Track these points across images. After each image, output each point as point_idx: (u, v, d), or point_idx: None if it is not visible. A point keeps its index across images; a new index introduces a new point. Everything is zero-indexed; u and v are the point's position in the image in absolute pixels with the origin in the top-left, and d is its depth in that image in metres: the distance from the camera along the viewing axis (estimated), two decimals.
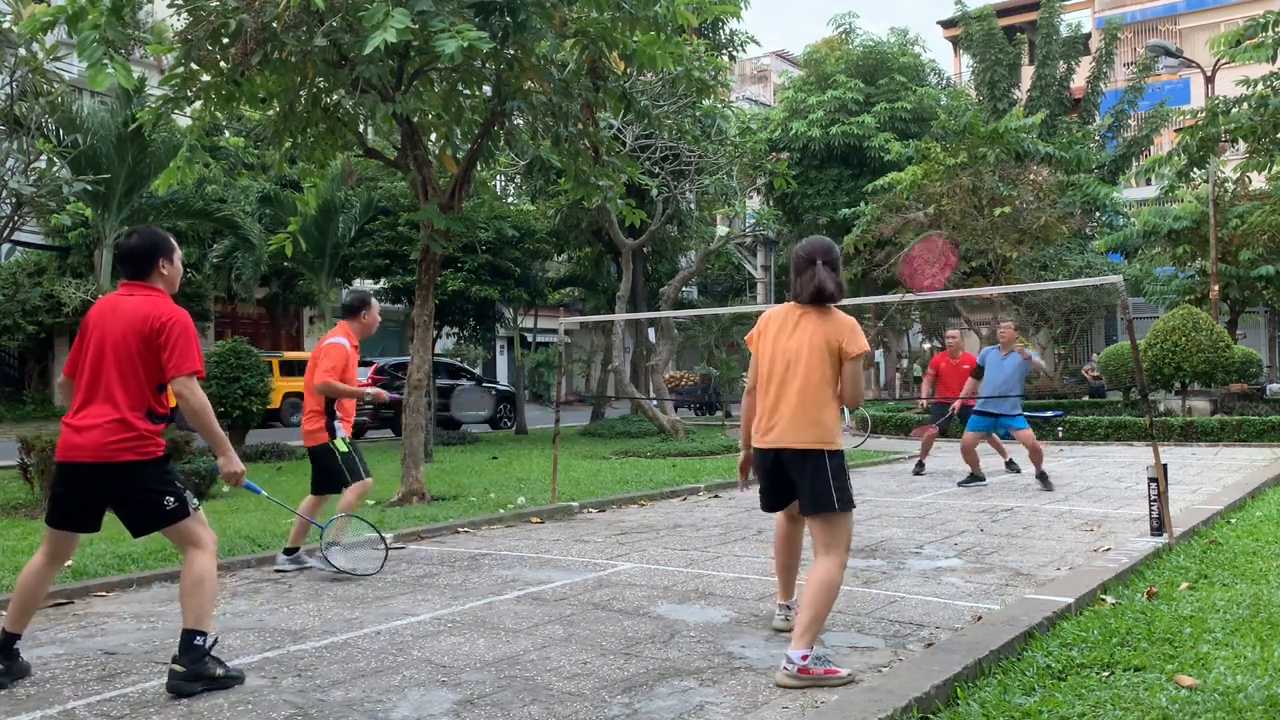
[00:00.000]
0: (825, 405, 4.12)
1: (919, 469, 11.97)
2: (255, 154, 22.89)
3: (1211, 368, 17.07)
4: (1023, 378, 10.45)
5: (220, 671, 3.90)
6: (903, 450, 14.18)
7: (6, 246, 19.47)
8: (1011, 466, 11.79)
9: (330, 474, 6.44)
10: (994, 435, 11.05)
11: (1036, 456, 10.23)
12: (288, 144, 9.75)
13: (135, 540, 7.07)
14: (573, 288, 25.72)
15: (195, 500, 4.09)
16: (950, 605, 5.17)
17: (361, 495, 6.55)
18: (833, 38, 28.65)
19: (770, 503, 4.42)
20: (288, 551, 6.50)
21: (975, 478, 10.71)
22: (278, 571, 6.44)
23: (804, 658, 3.83)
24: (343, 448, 6.39)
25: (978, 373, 10.70)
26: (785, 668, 3.87)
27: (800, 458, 4.10)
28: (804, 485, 4.10)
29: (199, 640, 3.90)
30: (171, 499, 3.98)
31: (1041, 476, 10.21)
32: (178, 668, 3.87)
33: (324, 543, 6.21)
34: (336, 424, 6.41)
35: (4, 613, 4.26)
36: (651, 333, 24.05)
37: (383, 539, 6.53)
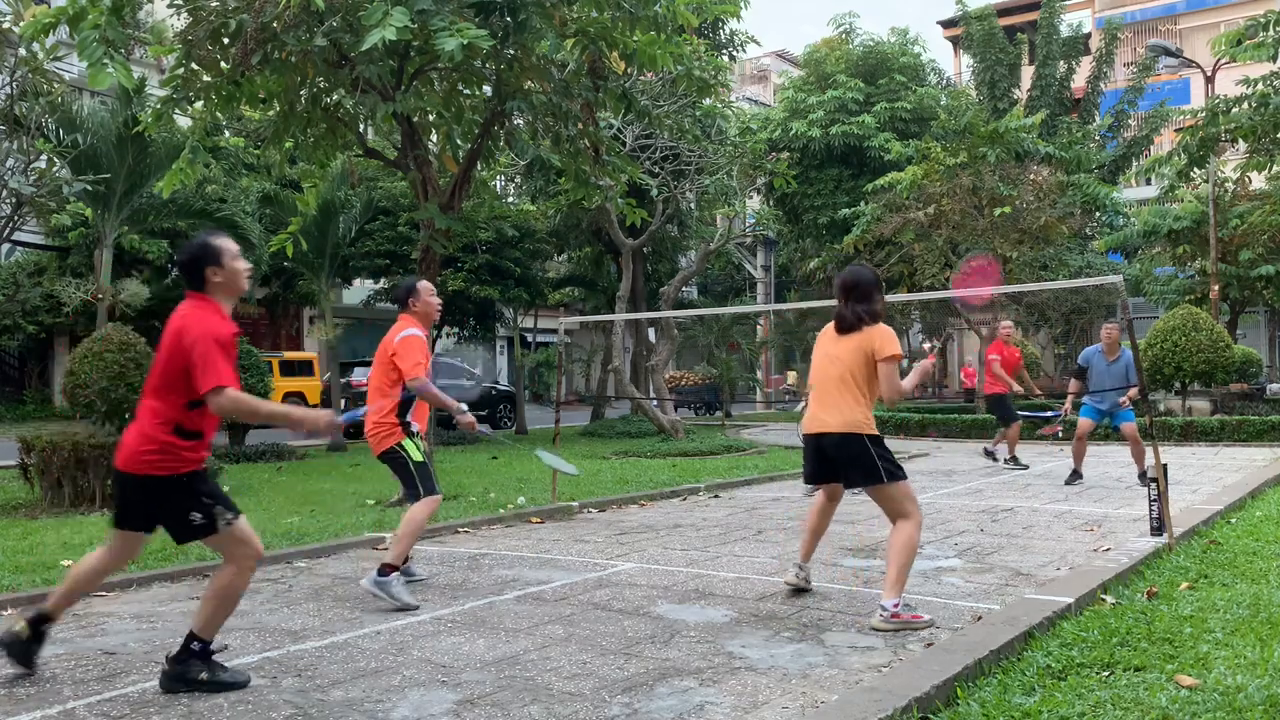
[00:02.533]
0: (859, 399, 4.96)
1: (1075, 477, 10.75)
2: (256, 154, 22.87)
3: (1211, 368, 17.07)
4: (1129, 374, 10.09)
5: (204, 675, 3.89)
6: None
7: (6, 246, 19.46)
8: (989, 454, 12.26)
9: (404, 480, 5.66)
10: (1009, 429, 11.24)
11: (1139, 455, 9.95)
12: (288, 144, 9.75)
13: None
14: (573, 288, 25.72)
15: (230, 514, 3.96)
16: (950, 605, 5.17)
17: (431, 514, 5.72)
18: (833, 38, 28.62)
19: (811, 477, 5.34)
20: (384, 569, 5.41)
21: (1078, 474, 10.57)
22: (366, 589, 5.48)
23: (895, 604, 4.66)
24: (417, 455, 5.62)
25: (1080, 373, 10.48)
26: (880, 614, 4.68)
27: (842, 442, 4.94)
28: (852, 466, 4.95)
29: (195, 645, 3.93)
30: (198, 515, 3.92)
31: (1143, 476, 9.87)
32: (167, 666, 3.94)
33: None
34: (412, 425, 5.72)
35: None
36: (651, 333, 24.05)
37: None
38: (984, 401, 12.34)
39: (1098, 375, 10.26)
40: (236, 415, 3.92)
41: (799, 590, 5.45)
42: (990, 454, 12.53)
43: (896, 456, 5.03)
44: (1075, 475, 10.59)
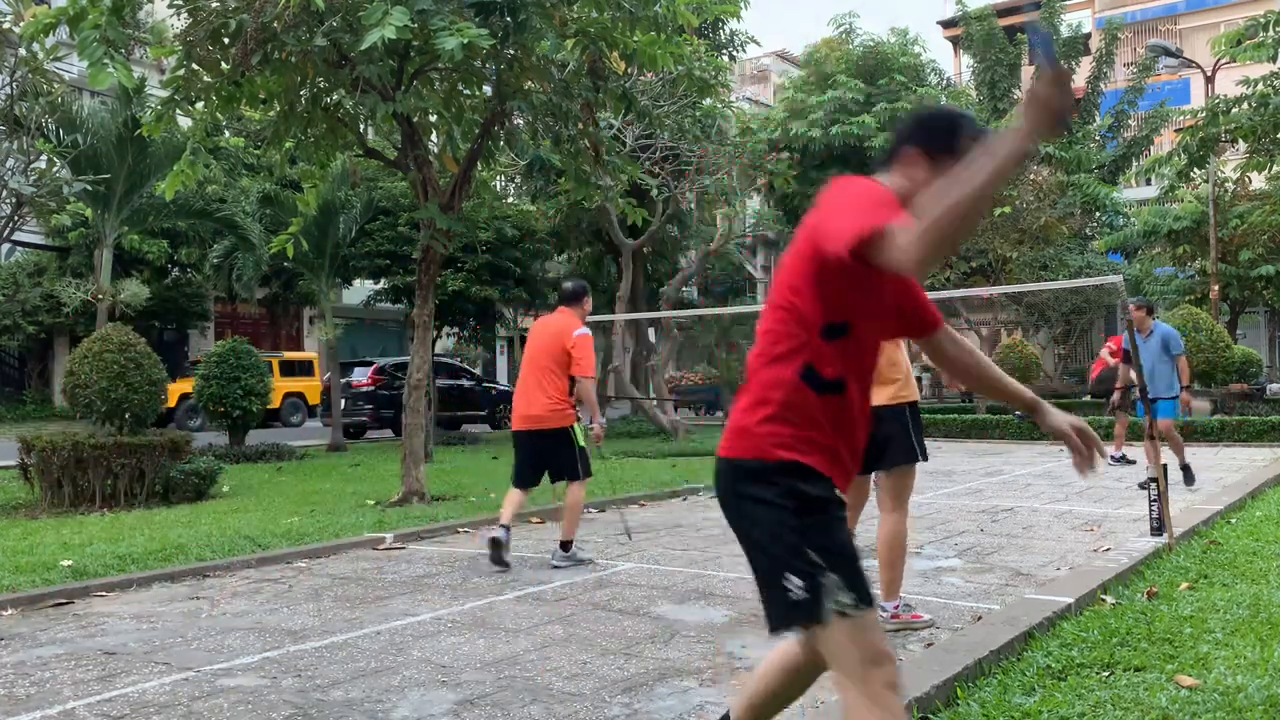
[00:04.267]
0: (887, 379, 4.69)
1: (1188, 475, 10.09)
2: (256, 154, 22.88)
3: (1211, 368, 17.07)
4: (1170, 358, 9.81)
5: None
6: None
7: (6, 246, 19.46)
8: None
9: (561, 461, 6.44)
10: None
11: (1177, 448, 9.81)
12: (289, 144, 9.75)
13: (135, 540, 7.10)
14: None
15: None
16: (950, 605, 5.17)
17: (585, 492, 6.59)
18: (833, 38, 28.59)
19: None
20: (563, 545, 6.48)
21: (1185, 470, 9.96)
22: (554, 567, 6.40)
23: (895, 606, 4.65)
24: (581, 439, 6.42)
25: (1128, 357, 9.87)
26: (880, 615, 4.40)
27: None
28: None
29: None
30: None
31: (1184, 469, 9.81)
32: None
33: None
34: (581, 412, 6.44)
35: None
36: (651, 333, 24.04)
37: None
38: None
39: (1142, 356, 9.54)
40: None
41: None
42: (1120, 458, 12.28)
43: None
44: (1186, 472, 9.85)
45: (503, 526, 6.31)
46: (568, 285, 6.69)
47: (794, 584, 2.12)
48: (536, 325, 6.58)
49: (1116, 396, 10.77)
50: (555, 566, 6.37)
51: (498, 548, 6.24)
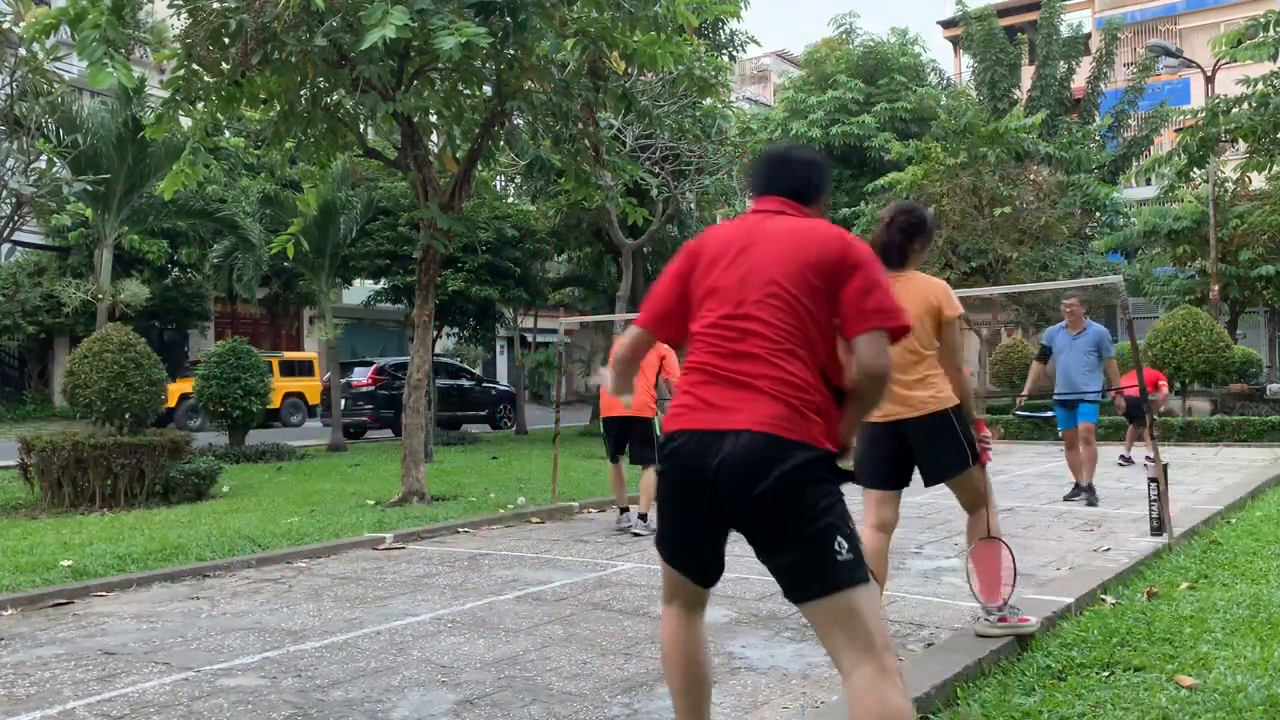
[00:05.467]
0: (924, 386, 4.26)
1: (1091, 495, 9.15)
2: (256, 154, 22.89)
3: (1211, 368, 17.06)
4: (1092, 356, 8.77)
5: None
6: None
7: (6, 246, 19.46)
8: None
9: (644, 446, 7.63)
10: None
11: (1090, 460, 8.98)
12: (289, 144, 9.75)
13: (135, 540, 7.10)
14: (573, 288, 25.70)
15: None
16: (950, 605, 5.17)
17: None
18: (833, 38, 28.62)
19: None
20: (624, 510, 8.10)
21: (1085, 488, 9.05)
22: (635, 535, 7.70)
23: (1000, 607, 4.25)
24: (658, 430, 7.39)
25: (1044, 355, 9.10)
26: (985, 618, 4.27)
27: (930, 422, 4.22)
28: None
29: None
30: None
31: (1078, 489, 9.10)
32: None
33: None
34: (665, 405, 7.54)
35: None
36: None
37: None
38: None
39: (1061, 356, 8.78)
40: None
41: None
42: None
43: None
44: (1089, 492, 9.02)
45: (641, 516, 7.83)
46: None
47: (843, 548, 2.39)
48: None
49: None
50: (636, 533, 7.75)
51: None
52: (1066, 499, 9.18)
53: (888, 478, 4.27)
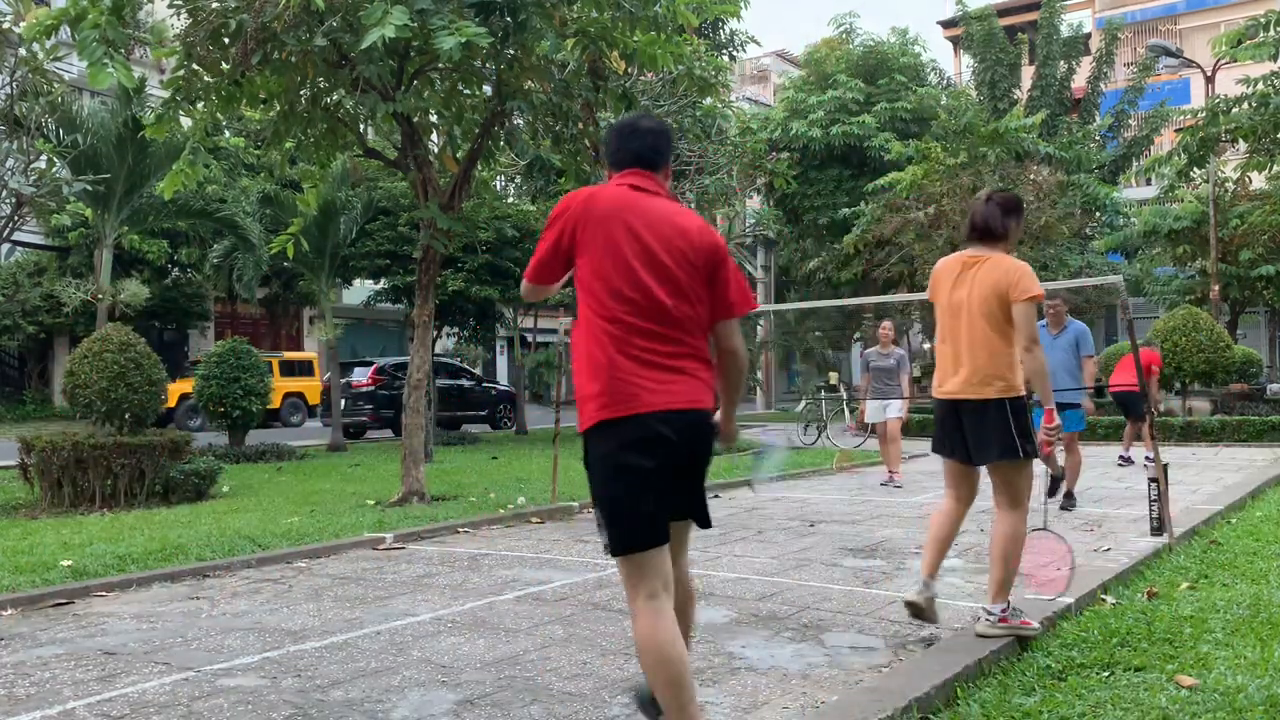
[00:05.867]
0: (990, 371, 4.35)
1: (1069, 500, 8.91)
2: (256, 154, 22.89)
3: (1211, 368, 17.07)
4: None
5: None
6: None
7: (6, 246, 19.47)
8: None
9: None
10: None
11: (1074, 467, 8.79)
12: (289, 144, 9.75)
13: (135, 540, 7.10)
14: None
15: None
16: (950, 605, 5.17)
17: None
18: (833, 38, 28.62)
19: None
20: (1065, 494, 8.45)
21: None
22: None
23: (1003, 609, 4.27)
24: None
25: None
26: (985, 618, 4.30)
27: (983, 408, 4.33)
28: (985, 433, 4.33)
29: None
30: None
31: (1069, 495, 8.82)
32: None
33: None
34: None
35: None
36: None
37: None
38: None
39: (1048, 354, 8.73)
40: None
41: (918, 611, 4.44)
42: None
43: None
44: (1069, 499, 8.79)
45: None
46: None
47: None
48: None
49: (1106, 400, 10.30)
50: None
51: None
52: (1062, 508, 8.82)
53: (954, 449, 4.50)
